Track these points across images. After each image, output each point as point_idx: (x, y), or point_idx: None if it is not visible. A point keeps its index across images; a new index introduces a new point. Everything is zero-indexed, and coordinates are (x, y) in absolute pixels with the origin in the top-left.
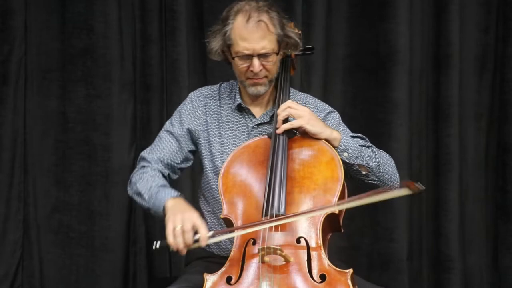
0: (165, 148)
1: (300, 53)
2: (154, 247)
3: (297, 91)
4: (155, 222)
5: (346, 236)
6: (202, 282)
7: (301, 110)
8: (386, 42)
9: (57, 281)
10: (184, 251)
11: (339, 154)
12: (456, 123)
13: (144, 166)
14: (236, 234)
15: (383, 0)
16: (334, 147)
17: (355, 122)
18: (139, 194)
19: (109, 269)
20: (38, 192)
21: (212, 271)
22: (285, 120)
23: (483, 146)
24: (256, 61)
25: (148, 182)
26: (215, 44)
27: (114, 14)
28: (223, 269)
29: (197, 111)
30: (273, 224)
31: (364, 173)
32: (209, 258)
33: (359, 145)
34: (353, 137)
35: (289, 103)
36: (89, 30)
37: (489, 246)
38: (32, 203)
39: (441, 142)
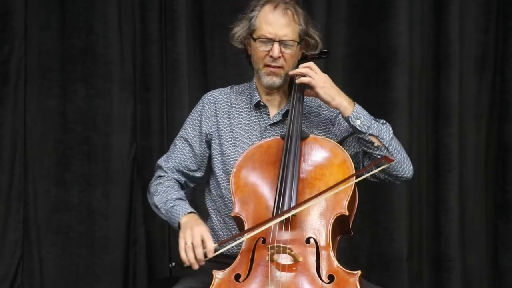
0: (179, 155)
1: (316, 56)
2: (170, 266)
3: None
4: (155, 222)
5: (346, 236)
6: (207, 280)
7: (319, 75)
8: (386, 42)
9: (57, 281)
10: (196, 266)
11: (352, 121)
12: (456, 123)
13: (160, 176)
14: (242, 239)
15: (383, 0)
16: (346, 116)
17: None
18: (157, 207)
19: (109, 269)
20: (38, 192)
21: (216, 270)
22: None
23: (483, 146)
24: (276, 46)
25: (164, 196)
26: (239, 28)
27: (114, 14)
28: (232, 266)
29: (207, 113)
30: (274, 222)
31: (376, 144)
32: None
33: (373, 119)
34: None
35: (311, 64)
36: (89, 30)
37: (489, 246)
38: (32, 203)
39: (441, 142)
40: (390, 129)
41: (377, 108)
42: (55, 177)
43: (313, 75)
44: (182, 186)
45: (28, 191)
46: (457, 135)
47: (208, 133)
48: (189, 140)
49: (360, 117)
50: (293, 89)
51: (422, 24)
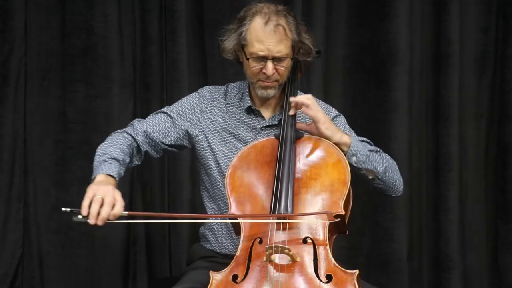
0: (156, 124)
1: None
2: (63, 210)
3: (303, 94)
4: (155, 222)
5: (345, 236)
6: (206, 281)
7: (319, 111)
8: (386, 42)
9: (57, 281)
10: (93, 221)
11: (348, 158)
12: (456, 123)
13: (124, 131)
14: (151, 221)
15: (383, 0)
16: (343, 151)
17: (355, 122)
18: (96, 152)
19: (109, 269)
20: (38, 192)
21: (215, 270)
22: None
23: (483, 146)
24: (270, 64)
25: (108, 148)
26: (229, 43)
27: (114, 14)
28: (229, 267)
29: (202, 107)
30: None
31: (370, 177)
32: (211, 258)
33: (368, 150)
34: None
35: (311, 102)
36: (89, 30)
37: (489, 246)
38: (32, 203)
39: (441, 142)
40: (384, 158)
41: (377, 108)
42: (55, 177)
43: (314, 110)
44: (134, 154)
45: (28, 191)
46: (457, 135)
47: (199, 129)
48: (172, 117)
49: (357, 154)
50: (286, 91)
51: (422, 24)
